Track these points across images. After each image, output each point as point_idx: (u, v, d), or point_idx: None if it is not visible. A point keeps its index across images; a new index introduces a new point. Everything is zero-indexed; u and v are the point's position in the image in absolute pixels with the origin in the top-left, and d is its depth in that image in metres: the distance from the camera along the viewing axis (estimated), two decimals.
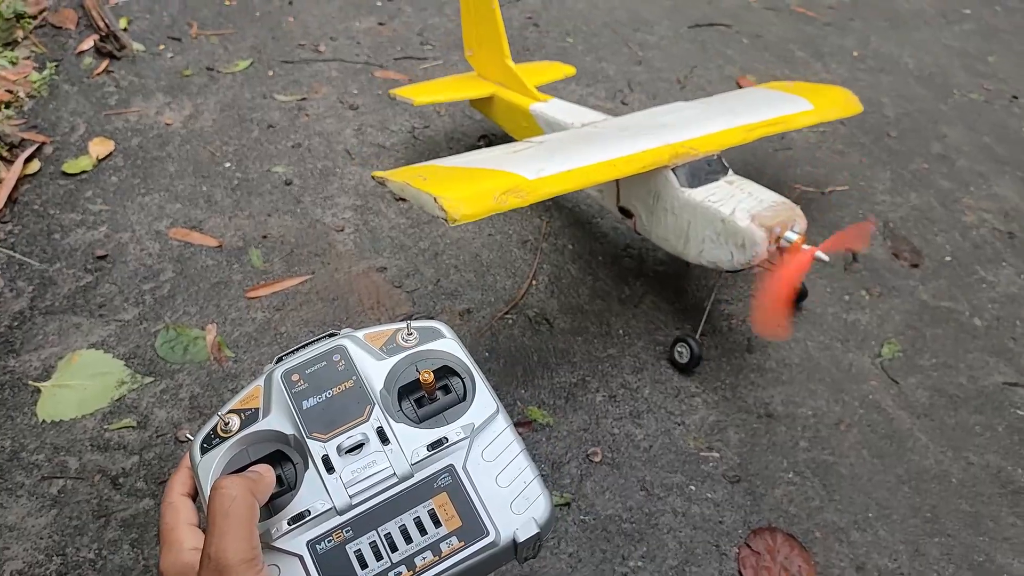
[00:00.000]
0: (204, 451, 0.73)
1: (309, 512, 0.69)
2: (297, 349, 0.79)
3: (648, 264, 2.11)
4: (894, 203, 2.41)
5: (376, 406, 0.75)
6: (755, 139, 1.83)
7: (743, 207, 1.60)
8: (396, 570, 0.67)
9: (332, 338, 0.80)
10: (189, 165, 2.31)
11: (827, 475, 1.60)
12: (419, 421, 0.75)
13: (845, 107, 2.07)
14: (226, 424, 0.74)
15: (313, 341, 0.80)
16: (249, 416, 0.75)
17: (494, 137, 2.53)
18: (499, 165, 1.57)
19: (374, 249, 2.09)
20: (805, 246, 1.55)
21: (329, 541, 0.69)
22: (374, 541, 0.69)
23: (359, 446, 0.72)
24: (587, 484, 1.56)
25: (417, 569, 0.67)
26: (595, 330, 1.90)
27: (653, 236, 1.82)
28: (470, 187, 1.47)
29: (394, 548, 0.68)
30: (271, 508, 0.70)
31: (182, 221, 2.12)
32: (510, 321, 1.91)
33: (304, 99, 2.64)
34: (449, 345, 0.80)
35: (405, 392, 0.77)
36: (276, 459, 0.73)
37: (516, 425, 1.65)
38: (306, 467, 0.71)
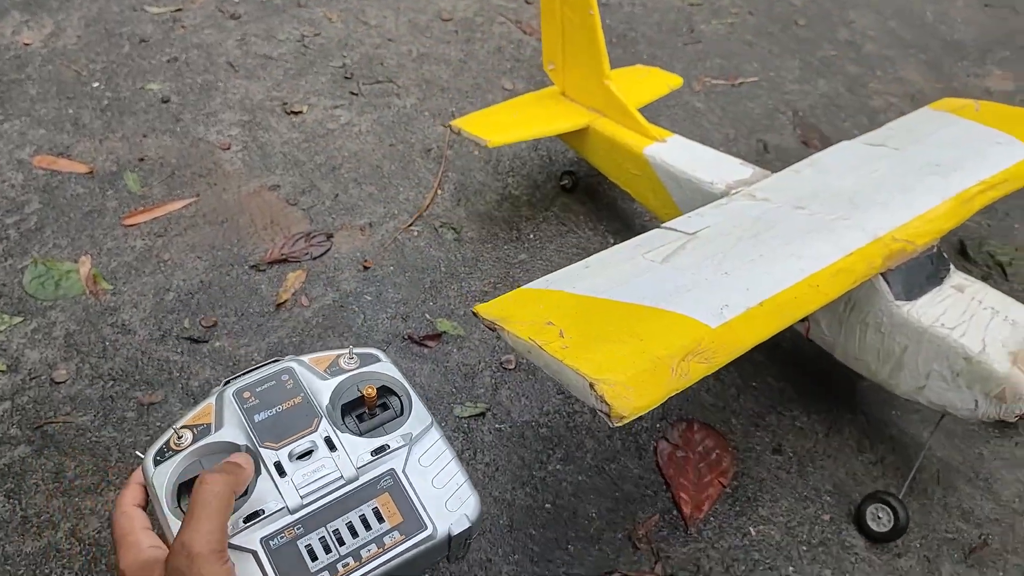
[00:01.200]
0: (157, 463, 0.80)
1: (263, 511, 0.76)
2: (244, 373, 0.87)
3: (557, 164, 2.03)
4: (803, 91, 2.37)
5: (323, 418, 0.83)
6: (973, 213, 1.36)
7: (995, 338, 1.20)
8: (344, 561, 0.75)
9: (277, 362, 0.88)
10: (52, 87, 2.10)
11: (741, 364, 1.58)
12: (362, 433, 0.84)
13: None
14: (179, 438, 0.81)
15: (260, 366, 0.88)
16: (201, 431, 0.82)
17: (581, 170, 2.00)
18: (658, 299, 1.10)
19: (265, 166, 1.94)
20: None
21: (282, 537, 0.76)
22: (323, 536, 0.76)
23: (308, 452, 0.80)
24: (502, 392, 1.50)
25: (363, 560, 0.76)
26: (505, 236, 1.83)
27: (838, 351, 1.39)
28: (631, 352, 1.00)
29: (341, 542, 0.76)
30: None
31: (47, 148, 1.92)
32: (415, 233, 1.82)
33: (179, 10, 2.42)
34: (386, 367, 0.90)
35: (348, 408, 0.87)
36: None
37: (425, 338, 1.59)
38: (258, 473, 0.78)
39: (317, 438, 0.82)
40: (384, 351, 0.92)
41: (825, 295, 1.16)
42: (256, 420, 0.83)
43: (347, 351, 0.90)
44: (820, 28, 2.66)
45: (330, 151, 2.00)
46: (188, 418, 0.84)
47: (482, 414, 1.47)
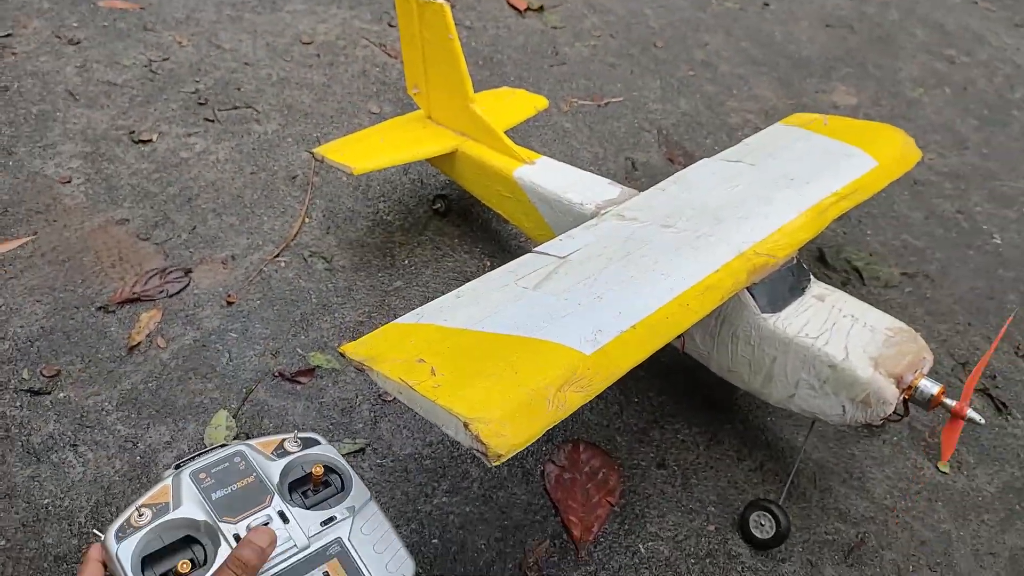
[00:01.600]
0: (120, 539, 0.87)
1: None
2: (194, 456, 0.96)
3: (429, 188, 1.99)
4: (665, 110, 2.44)
5: (275, 495, 0.94)
6: (828, 224, 1.41)
7: (856, 344, 1.23)
8: None
9: (226, 447, 0.98)
10: None
11: (623, 380, 1.57)
12: (309, 507, 0.95)
13: (906, 157, 1.65)
14: (139, 515, 0.89)
15: (209, 450, 0.98)
16: (160, 509, 0.90)
17: (454, 193, 1.95)
18: (532, 327, 1.07)
19: (111, 200, 1.80)
20: (946, 399, 1.20)
21: None
22: None
23: (264, 525, 0.90)
24: (382, 426, 1.44)
25: None
26: (378, 263, 1.76)
27: (713, 364, 1.41)
28: (506, 386, 0.97)
29: None
30: None
31: None
32: (283, 264, 1.72)
33: (8, 35, 2.22)
34: (327, 449, 1.02)
35: (296, 485, 0.97)
36: (187, 543, 0.89)
37: (297, 374, 1.50)
38: (218, 545, 0.88)
39: (271, 512, 0.93)
40: (321, 435, 1.03)
41: (695, 313, 1.17)
42: (214, 498, 0.92)
43: (292, 435, 1.02)
44: (677, 49, 2.76)
45: (185, 181, 1.87)
46: (146, 497, 0.92)
47: (362, 450, 1.39)
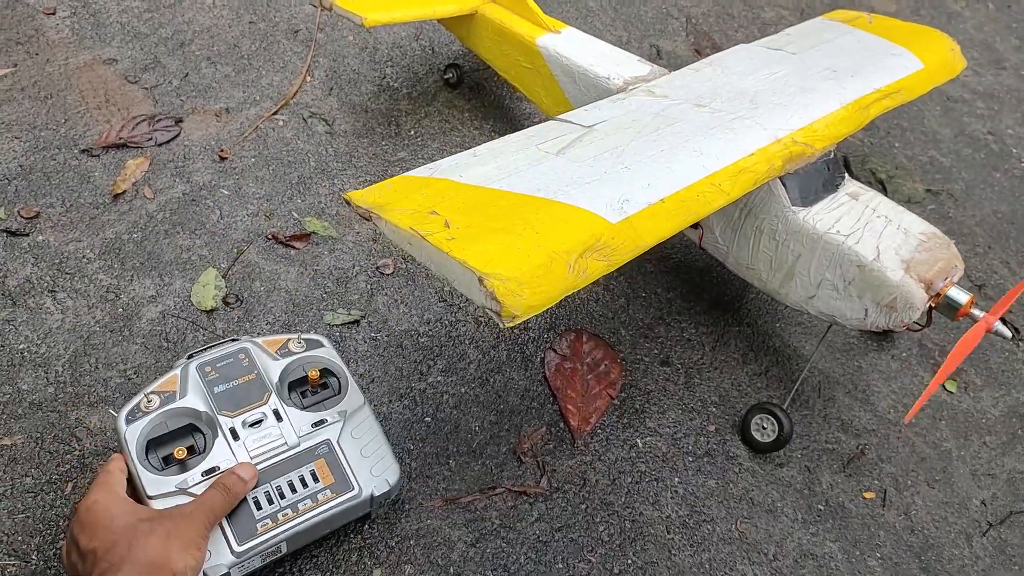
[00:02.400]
0: (129, 422, 0.97)
1: (218, 468, 0.95)
2: (205, 348, 1.05)
3: (440, 57, 1.86)
4: None
5: (273, 393, 1.02)
6: (870, 120, 1.32)
7: (888, 246, 1.16)
8: (283, 512, 0.94)
9: (235, 342, 1.06)
10: None
11: (631, 273, 1.51)
12: (304, 407, 1.03)
13: (951, 63, 1.54)
14: (148, 402, 0.98)
15: (220, 343, 1.06)
16: (167, 397, 0.99)
17: (467, 64, 1.84)
18: (555, 190, 0.99)
19: (99, 37, 1.66)
20: (975, 310, 1.14)
21: None
22: (268, 491, 0.95)
23: (259, 421, 0.99)
24: (378, 299, 1.37)
25: (299, 512, 0.95)
26: (382, 131, 1.65)
27: (730, 259, 1.33)
28: (525, 245, 0.89)
29: (283, 496, 0.95)
30: (186, 465, 0.95)
31: None
32: (281, 122, 1.61)
33: None
34: (329, 352, 1.10)
35: (294, 386, 1.05)
36: (189, 431, 0.98)
37: (292, 238, 1.42)
38: (215, 436, 0.97)
39: (267, 410, 1.01)
40: (327, 337, 1.09)
41: (727, 195, 1.09)
42: (216, 391, 1.00)
43: (296, 336, 1.09)
44: None
45: (178, 24, 1.73)
46: (156, 385, 1.00)
47: (356, 322, 1.33)
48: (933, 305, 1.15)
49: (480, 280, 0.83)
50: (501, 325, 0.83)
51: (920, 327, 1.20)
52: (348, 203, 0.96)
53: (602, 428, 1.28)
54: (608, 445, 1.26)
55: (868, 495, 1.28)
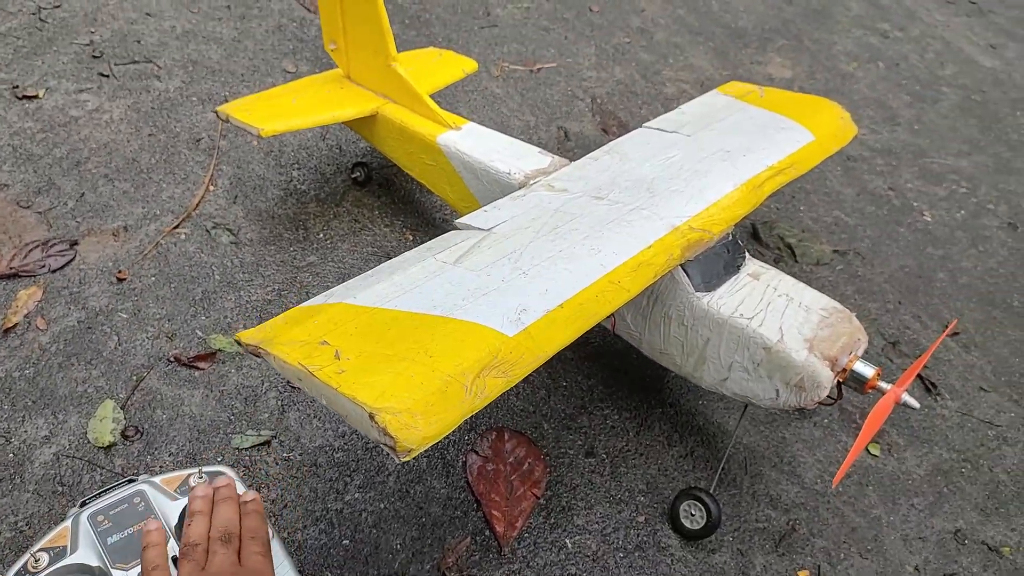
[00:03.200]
0: None
1: None
2: (100, 494, 0.96)
3: (348, 156, 1.85)
4: (600, 78, 2.34)
5: (172, 539, 0.92)
6: (764, 198, 1.34)
7: (791, 325, 1.17)
8: None
9: (132, 483, 0.96)
10: None
11: (550, 363, 1.50)
12: None
13: (842, 131, 1.59)
14: (36, 561, 0.89)
15: (115, 486, 0.97)
16: (57, 553, 0.91)
17: (375, 161, 1.83)
18: (450, 307, 0.97)
19: None
20: (881, 382, 1.15)
21: None
22: None
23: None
24: (290, 415, 1.32)
25: None
26: (290, 236, 1.63)
27: (644, 346, 1.34)
28: (420, 371, 0.86)
29: None
30: None
31: None
32: (183, 236, 1.57)
33: None
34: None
35: None
36: None
37: (195, 359, 1.37)
38: None
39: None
40: (232, 467, 1.00)
41: (627, 291, 1.09)
42: (109, 543, 0.92)
43: (196, 471, 0.99)
44: (613, 15, 2.66)
45: (73, 142, 1.70)
46: (45, 540, 0.92)
47: (267, 443, 1.28)
48: (840, 380, 1.16)
49: (371, 416, 0.80)
50: (397, 460, 0.80)
51: (833, 401, 1.21)
52: (239, 343, 0.93)
53: (529, 531, 1.24)
54: (536, 549, 1.22)
55: (802, 574, 1.26)
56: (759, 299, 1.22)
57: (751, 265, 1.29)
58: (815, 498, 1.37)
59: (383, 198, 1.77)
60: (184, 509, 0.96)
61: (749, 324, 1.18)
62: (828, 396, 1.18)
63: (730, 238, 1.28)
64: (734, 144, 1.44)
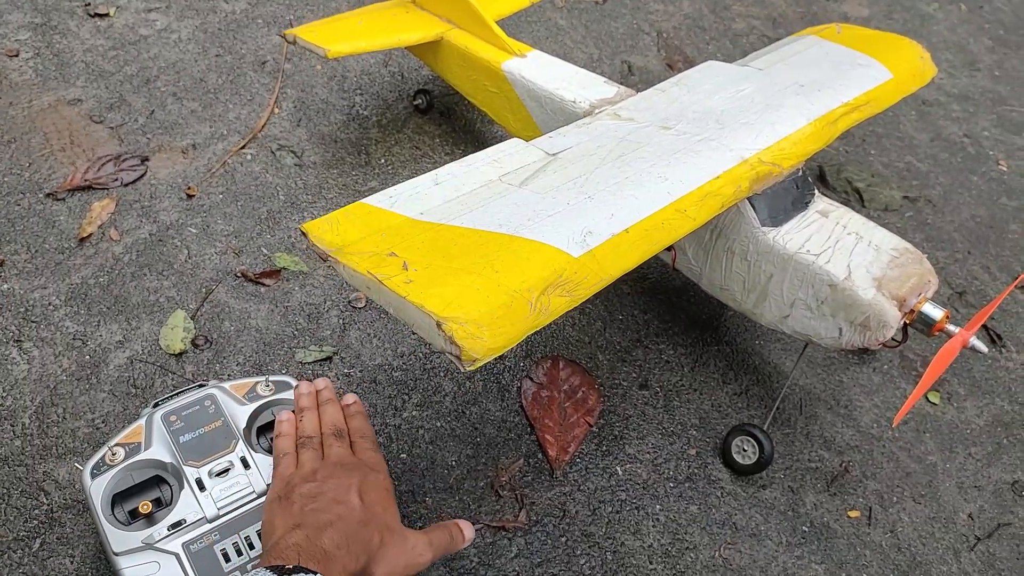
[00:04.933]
0: (94, 476, 0.94)
1: (185, 520, 0.91)
2: (172, 396, 1.02)
3: (410, 83, 1.85)
4: (667, 12, 2.28)
5: (240, 440, 0.98)
6: (838, 135, 1.31)
7: (859, 264, 1.14)
8: (253, 562, 0.90)
9: (202, 387, 1.02)
10: None
11: (607, 296, 1.50)
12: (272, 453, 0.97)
13: (922, 71, 1.52)
14: (113, 455, 0.95)
15: (186, 389, 1.03)
16: (132, 448, 0.96)
17: (436, 89, 1.83)
18: (516, 225, 0.97)
19: (63, 77, 1.65)
20: (950, 325, 1.13)
21: (201, 543, 0.91)
22: (236, 542, 0.91)
23: (226, 470, 0.96)
24: (351, 333, 1.35)
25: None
26: (352, 161, 1.64)
27: (704, 280, 1.32)
28: (485, 285, 0.87)
29: (252, 547, 0.91)
30: (152, 519, 0.91)
31: None
32: (249, 156, 1.60)
33: None
34: None
35: (262, 431, 1.02)
36: (155, 482, 0.96)
37: (261, 275, 1.40)
38: (182, 487, 0.94)
39: (234, 458, 0.97)
40: (296, 378, 1.04)
41: (693, 220, 1.07)
42: (181, 441, 0.97)
43: (264, 379, 1.05)
44: None
45: (143, 61, 1.72)
46: (121, 436, 0.98)
47: (328, 358, 1.31)
48: (907, 322, 1.14)
49: (438, 324, 0.81)
50: (462, 369, 0.82)
51: (897, 343, 1.19)
52: (304, 235, 0.95)
53: (581, 457, 1.26)
54: (587, 475, 1.24)
55: (853, 514, 1.26)
56: (827, 236, 1.20)
57: (820, 202, 1.26)
58: (870, 442, 1.36)
59: (444, 126, 1.77)
60: (252, 412, 1.01)
61: (816, 261, 1.16)
62: (892, 338, 1.16)
63: (800, 174, 1.25)
64: (808, 78, 1.40)
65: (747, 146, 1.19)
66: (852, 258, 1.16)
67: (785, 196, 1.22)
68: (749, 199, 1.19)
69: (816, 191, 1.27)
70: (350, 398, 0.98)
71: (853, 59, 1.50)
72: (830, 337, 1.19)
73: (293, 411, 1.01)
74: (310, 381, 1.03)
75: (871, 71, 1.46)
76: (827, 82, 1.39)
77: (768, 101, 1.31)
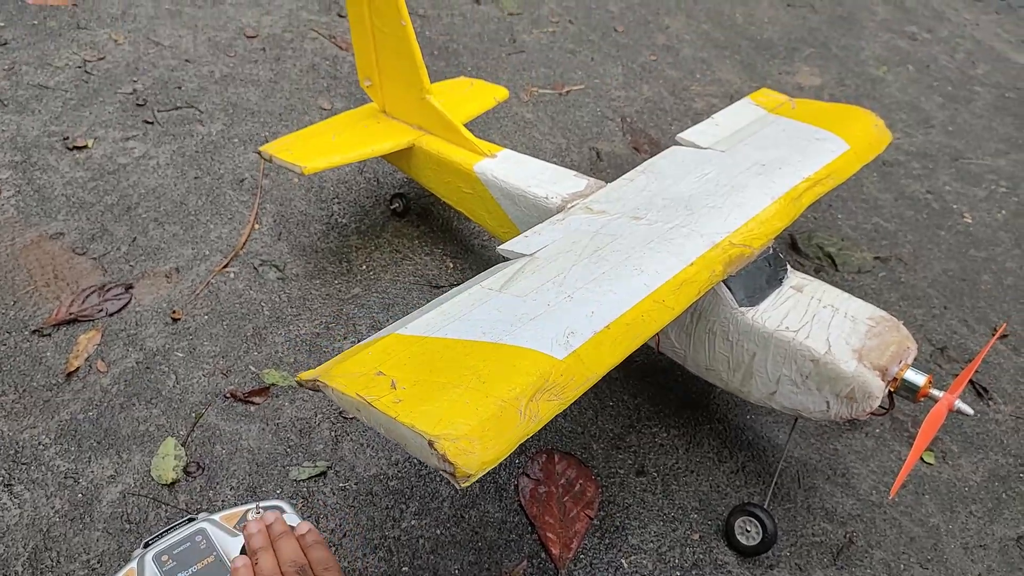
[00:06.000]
0: None
1: None
2: (162, 534, 0.99)
3: (385, 187, 1.89)
4: (628, 97, 2.36)
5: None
6: (803, 210, 1.35)
7: (838, 337, 1.17)
8: None
9: (192, 522, 0.99)
10: None
11: (596, 384, 1.50)
12: None
13: (877, 139, 1.59)
14: None
15: (176, 525, 1.00)
16: None
17: (412, 192, 1.87)
18: (499, 333, 0.99)
19: (44, 212, 1.68)
20: (934, 390, 1.15)
21: None
22: None
23: None
24: (344, 445, 1.35)
25: None
26: (334, 270, 1.67)
27: (689, 363, 1.34)
28: (474, 397, 0.88)
29: None
30: None
31: None
32: (232, 275, 1.62)
33: None
34: (290, 518, 1.00)
35: None
36: None
37: (250, 394, 1.40)
38: None
39: None
40: (289, 502, 1.02)
41: (671, 310, 1.10)
42: None
43: (254, 506, 1.01)
44: (638, 34, 2.69)
45: (123, 189, 1.76)
46: None
47: (323, 473, 1.30)
48: (892, 390, 1.16)
49: (430, 443, 0.82)
50: (457, 487, 0.82)
51: (884, 411, 1.20)
52: (299, 384, 0.96)
53: (584, 552, 1.25)
54: (593, 571, 1.23)
55: None
56: (804, 311, 1.22)
57: (794, 278, 1.29)
58: (871, 509, 1.36)
59: (422, 227, 1.81)
60: (243, 546, 0.99)
61: (795, 337, 1.19)
62: (880, 406, 1.17)
63: (771, 251, 1.28)
64: (769, 157, 1.45)
65: (717, 230, 1.23)
66: (830, 331, 1.19)
67: (759, 275, 1.26)
68: (724, 281, 1.22)
69: (788, 266, 1.30)
70: (304, 527, 0.91)
71: (811, 134, 1.56)
72: (818, 411, 1.20)
73: (246, 553, 0.93)
74: (259, 517, 0.95)
75: (829, 144, 1.52)
76: (787, 159, 1.44)
77: (732, 183, 1.36)
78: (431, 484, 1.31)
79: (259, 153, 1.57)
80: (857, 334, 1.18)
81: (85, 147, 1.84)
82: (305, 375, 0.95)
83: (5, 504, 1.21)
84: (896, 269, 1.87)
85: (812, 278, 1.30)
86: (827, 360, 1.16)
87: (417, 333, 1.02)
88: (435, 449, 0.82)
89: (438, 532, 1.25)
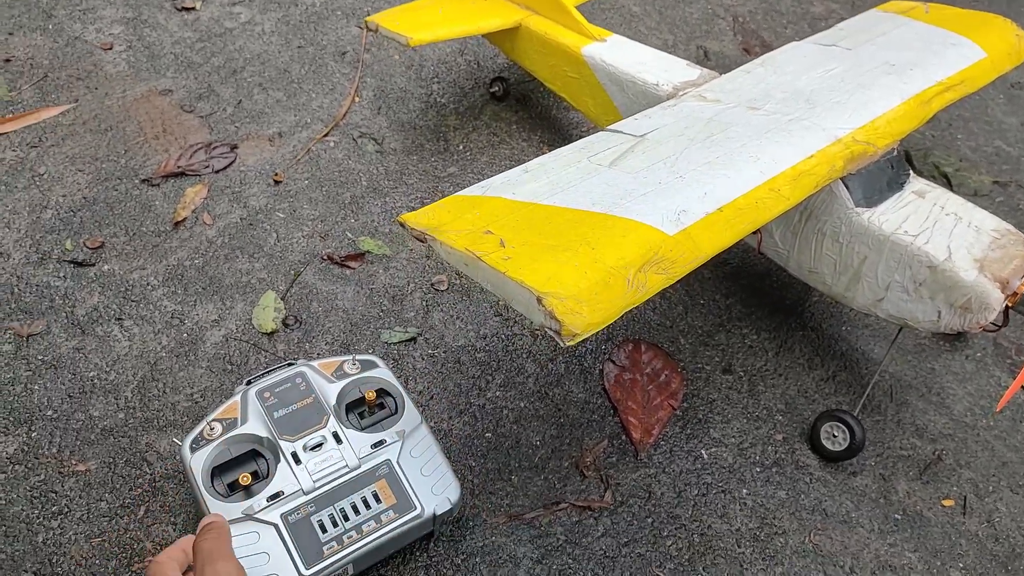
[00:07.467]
0: (193, 450, 0.99)
1: (283, 492, 0.96)
2: (264, 373, 1.06)
3: (486, 71, 1.86)
4: None
5: (331, 416, 1.03)
6: (932, 115, 1.28)
7: (960, 245, 1.12)
8: (348, 534, 0.94)
9: (292, 366, 1.07)
10: None
11: (688, 280, 1.48)
12: (362, 428, 1.04)
13: (1016, 49, 1.46)
14: (211, 430, 1.00)
15: (278, 367, 1.07)
16: (229, 423, 1.01)
17: (512, 76, 1.84)
18: (609, 204, 0.97)
19: (154, 68, 1.71)
20: None
21: (298, 514, 0.95)
22: (332, 513, 0.96)
23: (319, 445, 1.00)
24: (434, 315, 1.37)
25: (364, 533, 0.95)
26: (431, 147, 1.66)
27: (791, 263, 1.30)
28: (583, 262, 0.87)
29: (347, 518, 0.96)
30: (251, 491, 0.96)
31: None
32: (332, 144, 1.63)
33: None
34: (384, 373, 1.10)
35: (351, 407, 1.06)
36: (252, 456, 1.00)
37: (346, 258, 1.43)
38: (278, 460, 0.98)
39: (327, 432, 1.01)
40: (382, 357, 1.11)
41: (787, 200, 1.06)
42: (276, 416, 1.01)
43: (350, 358, 1.09)
44: None
45: (229, 52, 1.77)
46: (217, 412, 1.02)
47: (413, 339, 1.33)
48: (1010, 304, 1.10)
49: (539, 300, 0.82)
50: (562, 344, 0.82)
51: (997, 327, 1.15)
52: (403, 225, 0.96)
53: (665, 440, 1.26)
54: (672, 457, 1.24)
55: (947, 503, 1.23)
56: (925, 217, 1.17)
57: (916, 183, 1.23)
58: (964, 430, 1.32)
59: (520, 113, 1.78)
60: (341, 390, 1.07)
61: (914, 242, 1.13)
62: (992, 321, 1.12)
63: (895, 154, 1.22)
64: (899, 58, 1.36)
65: (840, 125, 1.17)
66: (952, 239, 1.13)
67: (880, 176, 1.20)
68: (843, 179, 1.17)
69: (911, 171, 1.24)
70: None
71: (944, 38, 1.45)
72: (928, 320, 1.16)
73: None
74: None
75: (963, 50, 1.42)
76: (919, 61, 1.35)
77: (859, 80, 1.28)
78: (517, 360, 1.33)
79: (365, 23, 1.55)
80: (980, 244, 1.12)
81: (193, 8, 1.86)
82: (412, 221, 0.95)
83: (116, 336, 1.27)
84: (1015, 195, 1.77)
85: (935, 185, 1.23)
86: (946, 267, 1.10)
87: (525, 199, 1.01)
88: (543, 306, 0.82)
89: (522, 404, 1.27)
